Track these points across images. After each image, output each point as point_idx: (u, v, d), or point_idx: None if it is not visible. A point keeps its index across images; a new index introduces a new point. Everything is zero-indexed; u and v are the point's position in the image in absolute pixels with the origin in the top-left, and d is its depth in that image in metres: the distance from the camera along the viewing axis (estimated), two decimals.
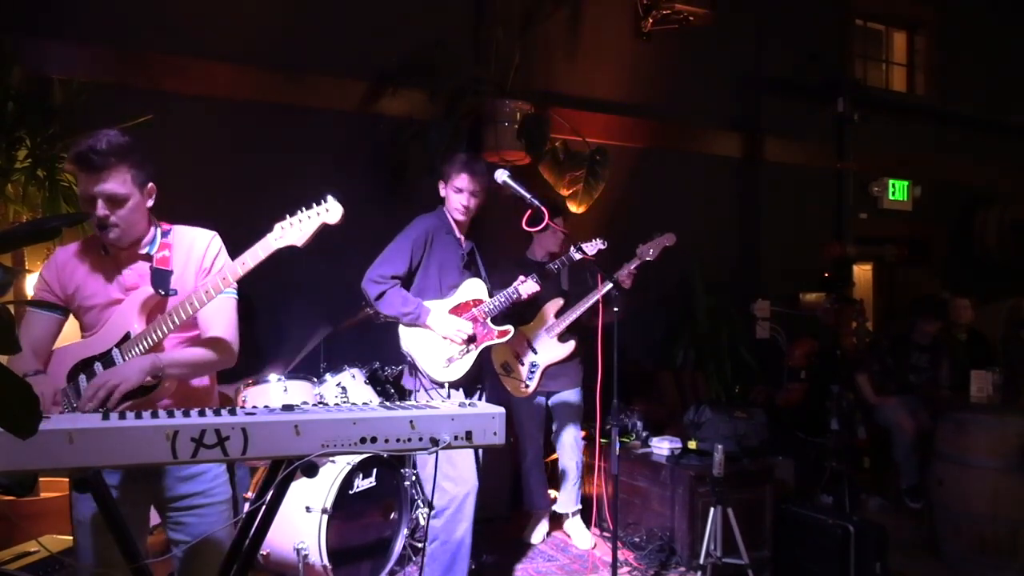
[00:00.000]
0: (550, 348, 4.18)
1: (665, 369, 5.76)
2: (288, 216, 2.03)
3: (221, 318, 2.11)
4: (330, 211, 2.02)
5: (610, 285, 3.32)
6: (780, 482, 4.36)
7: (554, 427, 4.45)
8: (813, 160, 6.65)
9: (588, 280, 4.24)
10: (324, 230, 2.04)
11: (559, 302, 4.23)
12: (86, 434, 1.49)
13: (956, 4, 7.74)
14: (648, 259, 4.10)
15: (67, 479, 3.14)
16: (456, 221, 3.41)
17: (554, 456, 4.78)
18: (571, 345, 4.20)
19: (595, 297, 3.97)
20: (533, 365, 4.13)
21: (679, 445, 4.25)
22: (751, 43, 6.60)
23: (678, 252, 4.18)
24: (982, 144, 7.80)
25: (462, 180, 3.31)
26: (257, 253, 2.01)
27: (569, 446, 4.36)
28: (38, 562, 2.60)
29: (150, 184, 2.09)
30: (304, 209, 2.03)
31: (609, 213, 5.56)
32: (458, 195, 3.32)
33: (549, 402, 4.40)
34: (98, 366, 2.01)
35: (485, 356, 3.44)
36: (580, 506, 4.43)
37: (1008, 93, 7.88)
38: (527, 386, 4.13)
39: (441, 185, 3.39)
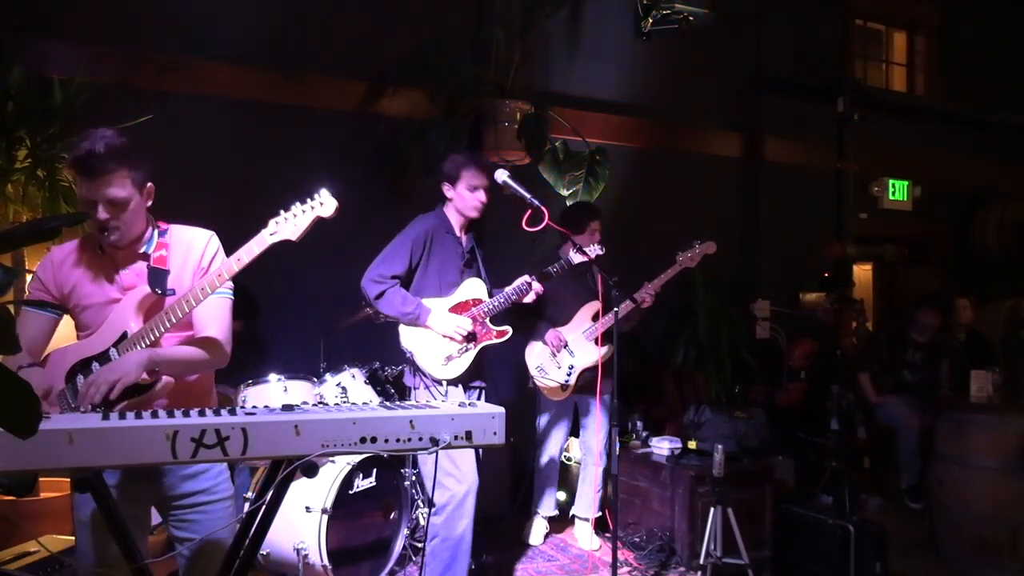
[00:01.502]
0: (587, 351, 4.13)
1: (665, 369, 5.76)
2: (282, 211, 2.04)
3: (215, 318, 2.11)
4: (324, 204, 2.02)
5: (612, 285, 3.34)
6: (780, 482, 4.36)
7: (582, 430, 4.42)
8: (813, 160, 6.65)
9: (587, 282, 4.22)
10: (319, 224, 2.05)
11: (595, 305, 4.16)
12: (86, 434, 1.49)
13: (956, 4, 7.74)
14: (688, 267, 4.07)
15: (68, 479, 3.15)
16: (468, 219, 3.42)
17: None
18: (607, 349, 4.12)
19: (629, 306, 3.91)
20: (571, 367, 4.10)
21: (679, 445, 4.25)
22: (751, 43, 6.60)
23: (714, 253, 4.14)
24: (982, 144, 7.80)
25: (474, 176, 3.33)
26: (252, 249, 2.02)
27: (596, 452, 4.30)
28: (38, 562, 2.60)
29: (149, 184, 2.09)
30: (298, 204, 2.04)
31: (609, 213, 5.55)
32: (474, 192, 3.35)
33: (580, 405, 4.37)
34: (95, 365, 2.01)
35: (485, 355, 3.43)
36: (600, 513, 4.34)
37: (1008, 93, 7.87)
38: (564, 388, 4.11)
39: (447, 188, 3.38)
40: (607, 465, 4.25)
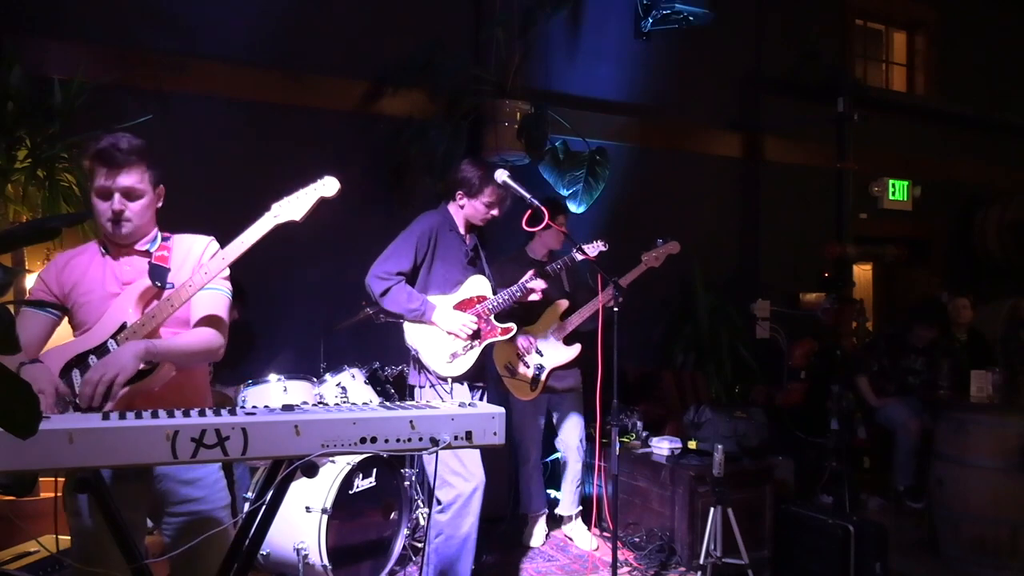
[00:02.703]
0: (556, 351, 4.14)
1: (665, 369, 5.76)
2: (285, 196, 2.12)
3: (212, 311, 2.14)
4: (327, 186, 2.12)
5: (611, 288, 3.34)
6: (780, 482, 4.36)
7: (558, 429, 4.43)
8: (813, 160, 6.65)
9: (588, 281, 4.23)
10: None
11: (564, 304, 4.19)
12: (86, 434, 1.49)
13: (956, 4, 7.74)
14: (653, 266, 4.09)
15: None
16: (471, 224, 3.43)
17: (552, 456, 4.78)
18: (576, 348, 4.17)
19: (603, 302, 3.93)
20: (539, 367, 4.11)
21: (679, 445, 4.25)
22: (751, 43, 6.59)
23: (678, 252, 4.19)
24: (982, 144, 7.80)
25: (494, 195, 3.34)
26: (255, 231, 2.08)
27: (574, 448, 4.33)
28: (38, 562, 2.61)
29: (160, 186, 2.17)
30: (301, 188, 2.13)
31: (609, 213, 5.56)
32: (489, 208, 3.37)
33: (551, 404, 4.38)
34: (92, 359, 2.00)
35: (487, 355, 3.44)
36: (581, 507, 4.41)
37: (1008, 93, 7.88)
38: (532, 388, 4.11)
39: (461, 195, 3.38)
40: (586, 460, 4.33)
